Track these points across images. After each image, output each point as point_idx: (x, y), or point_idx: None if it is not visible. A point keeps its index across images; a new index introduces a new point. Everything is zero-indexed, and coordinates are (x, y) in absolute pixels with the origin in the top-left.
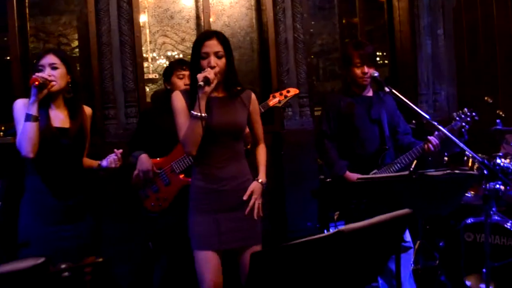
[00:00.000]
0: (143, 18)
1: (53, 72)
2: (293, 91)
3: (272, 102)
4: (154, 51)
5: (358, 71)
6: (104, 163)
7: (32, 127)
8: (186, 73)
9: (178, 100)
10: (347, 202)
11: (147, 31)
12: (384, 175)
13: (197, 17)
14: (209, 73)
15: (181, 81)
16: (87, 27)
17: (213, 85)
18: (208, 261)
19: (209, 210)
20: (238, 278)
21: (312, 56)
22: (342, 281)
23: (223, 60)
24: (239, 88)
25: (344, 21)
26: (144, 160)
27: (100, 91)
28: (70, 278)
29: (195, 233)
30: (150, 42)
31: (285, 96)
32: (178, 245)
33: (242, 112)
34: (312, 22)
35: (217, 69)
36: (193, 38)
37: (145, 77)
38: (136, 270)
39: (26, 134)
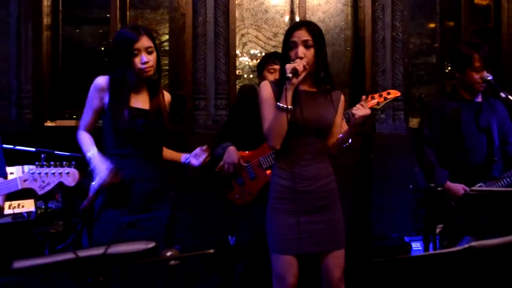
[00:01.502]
0: (238, 11)
1: (150, 57)
2: (393, 93)
3: (371, 103)
4: (244, 46)
5: (477, 76)
6: (194, 161)
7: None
8: (278, 67)
9: (266, 90)
10: (454, 215)
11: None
12: (502, 189)
13: (292, 12)
14: (298, 64)
15: (272, 76)
16: (183, 18)
17: (301, 77)
18: (289, 265)
19: (291, 211)
20: (314, 280)
21: (406, 60)
22: None
23: (312, 50)
24: (329, 86)
25: (446, 22)
26: (232, 152)
27: (192, 81)
28: (177, 267)
29: (275, 235)
30: (243, 35)
31: (385, 98)
32: (259, 244)
33: (331, 110)
34: (411, 22)
35: (305, 60)
36: None
37: None
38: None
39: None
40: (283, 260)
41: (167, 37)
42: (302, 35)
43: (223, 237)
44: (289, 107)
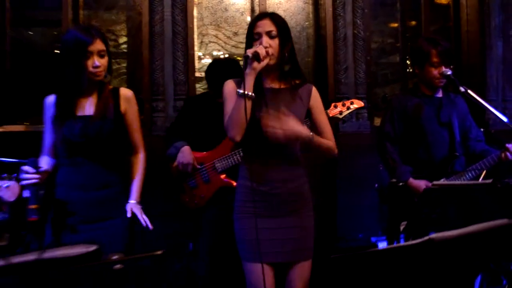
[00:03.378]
0: (196, 10)
1: (102, 61)
2: (357, 103)
3: (333, 112)
4: (202, 46)
5: (435, 72)
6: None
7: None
8: None
9: (229, 86)
10: (417, 211)
11: (196, 23)
12: (464, 182)
13: (252, 10)
14: (260, 49)
15: None
16: (140, 17)
17: (263, 63)
18: (261, 274)
19: (259, 215)
20: None
21: (368, 58)
22: None
23: (277, 41)
24: (298, 81)
25: (407, 21)
26: (186, 152)
27: (149, 82)
28: (123, 271)
29: (244, 241)
30: (203, 35)
31: (348, 108)
32: (217, 245)
33: (299, 108)
34: (373, 21)
35: (270, 49)
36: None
37: None
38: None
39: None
40: (255, 269)
41: (125, 39)
42: (266, 25)
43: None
44: (250, 93)
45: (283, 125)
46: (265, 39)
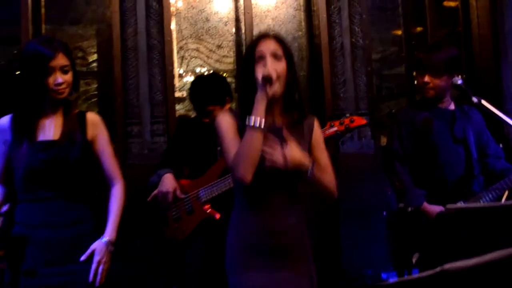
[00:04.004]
0: (173, 20)
1: (66, 77)
2: (358, 121)
3: (328, 132)
4: (183, 62)
5: (420, 80)
6: None
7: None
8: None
9: (226, 121)
10: (431, 241)
11: (175, 35)
12: (483, 204)
13: (237, 19)
14: (270, 71)
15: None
16: (110, 30)
17: (275, 88)
18: None
19: (257, 268)
20: None
21: (369, 68)
22: None
23: (283, 64)
24: (300, 113)
25: (411, 27)
26: (168, 180)
27: (122, 104)
28: None
29: None
30: (182, 48)
31: (347, 128)
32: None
33: (304, 146)
34: (372, 27)
35: (278, 71)
36: (232, 44)
37: None
38: None
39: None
40: None
41: (95, 56)
42: (270, 45)
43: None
44: (262, 121)
45: (283, 151)
46: (270, 61)
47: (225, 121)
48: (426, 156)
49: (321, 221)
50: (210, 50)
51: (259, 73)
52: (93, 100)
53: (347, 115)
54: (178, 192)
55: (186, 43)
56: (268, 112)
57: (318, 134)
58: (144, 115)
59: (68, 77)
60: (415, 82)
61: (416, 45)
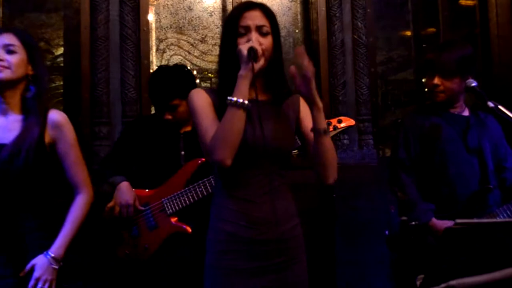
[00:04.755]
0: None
1: (7, 56)
2: (346, 121)
3: None
4: (161, 56)
5: (429, 82)
6: None
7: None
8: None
9: (201, 97)
10: (437, 260)
11: (154, 28)
12: (497, 220)
13: (223, 9)
14: (256, 44)
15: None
16: (78, 17)
17: (260, 63)
18: None
19: (240, 270)
20: None
21: (373, 69)
22: None
23: (270, 39)
24: (283, 91)
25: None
26: (125, 190)
27: (90, 100)
28: None
29: None
30: (161, 41)
31: (335, 128)
32: None
33: (289, 128)
34: (377, 23)
35: (263, 47)
36: (217, 38)
37: None
38: None
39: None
40: None
41: (62, 50)
42: (256, 17)
43: None
44: (246, 102)
45: (262, 129)
46: (255, 36)
47: (201, 98)
48: (435, 167)
49: (314, 239)
50: (192, 44)
51: (244, 47)
52: (59, 99)
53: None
54: (137, 203)
55: (165, 35)
56: (251, 88)
57: (306, 108)
58: (115, 114)
59: (12, 58)
60: (426, 89)
61: (426, 48)
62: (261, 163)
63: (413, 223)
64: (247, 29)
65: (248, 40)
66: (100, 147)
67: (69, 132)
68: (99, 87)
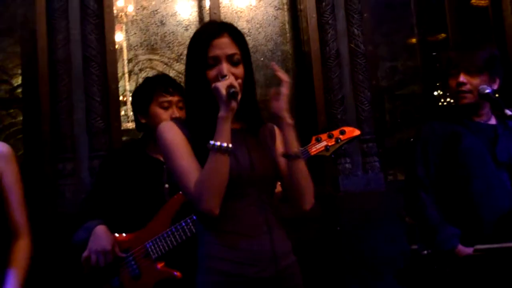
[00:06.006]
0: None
1: None
2: (350, 132)
3: (316, 148)
4: (132, 78)
5: (453, 83)
6: None
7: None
8: (175, 99)
9: (174, 132)
10: None
11: (125, 48)
12: None
13: (201, 22)
14: (232, 81)
15: (166, 113)
16: (34, 37)
17: (237, 102)
18: None
19: None
20: None
21: (374, 82)
22: None
23: (241, 69)
24: (256, 119)
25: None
26: (101, 235)
27: (50, 133)
28: None
29: None
30: (130, 61)
31: (337, 140)
32: None
33: (269, 151)
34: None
35: (239, 81)
36: None
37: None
38: None
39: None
40: None
41: (20, 79)
42: (226, 45)
43: None
44: (230, 145)
45: (249, 155)
46: (226, 68)
47: (173, 133)
48: (457, 184)
49: (318, 277)
50: (166, 64)
51: (221, 86)
52: (19, 136)
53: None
54: (116, 249)
55: (135, 55)
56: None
57: (279, 141)
58: (80, 148)
59: None
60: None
61: (436, 56)
62: (250, 193)
63: (425, 252)
64: (217, 60)
65: (219, 72)
66: (65, 186)
67: (16, 166)
68: (61, 118)
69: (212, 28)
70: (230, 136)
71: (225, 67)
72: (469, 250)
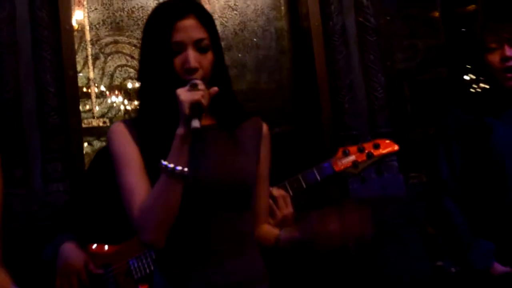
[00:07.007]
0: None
1: None
2: (386, 146)
3: (342, 163)
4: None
5: (495, 59)
6: None
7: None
8: None
9: (124, 140)
10: None
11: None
12: None
13: None
14: (203, 93)
15: None
16: None
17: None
18: None
19: None
20: None
21: (389, 63)
22: None
23: (210, 56)
24: (234, 112)
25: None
26: (70, 251)
27: None
28: None
29: None
30: (94, 43)
31: (369, 155)
32: None
33: (249, 154)
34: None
35: (204, 71)
36: None
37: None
38: None
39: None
40: None
41: None
42: (192, 29)
43: None
44: (185, 169)
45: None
46: (193, 55)
47: (123, 141)
48: (490, 187)
49: None
50: (135, 46)
51: (186, 100)
52: None
53: (368, 137)
54: (91, 266)
55: (97, 34)
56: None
57: (266, 146)
58: (31, 149)
59: None
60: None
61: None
62: (210, 207)
63: (453, 269)
64: (182, 46)
65: (186, 62)
66: (13, 197)
67: None
68: (6, 112)
69: (176, 8)
70: (188, 158)
71: (191, 55)
72: (506, 269)
